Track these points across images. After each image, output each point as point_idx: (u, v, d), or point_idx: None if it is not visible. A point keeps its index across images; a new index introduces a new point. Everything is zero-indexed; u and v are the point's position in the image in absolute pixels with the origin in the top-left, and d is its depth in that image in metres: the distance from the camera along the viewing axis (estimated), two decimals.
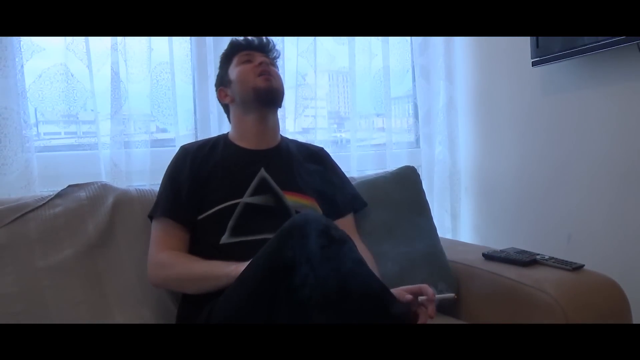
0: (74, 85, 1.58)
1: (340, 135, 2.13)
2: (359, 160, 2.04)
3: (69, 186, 1.35)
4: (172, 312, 1.25)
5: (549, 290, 1.12)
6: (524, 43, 1.77)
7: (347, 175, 2.01)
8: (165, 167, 1.31)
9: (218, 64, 1.40)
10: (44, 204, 1.28)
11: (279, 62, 1.79)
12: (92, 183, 1.37)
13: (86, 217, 1.29)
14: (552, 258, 1.25)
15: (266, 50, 1.33)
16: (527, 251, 1.34)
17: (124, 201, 1.33)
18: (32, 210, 1.26)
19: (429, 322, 0.97)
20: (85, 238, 1.26)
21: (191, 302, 1.15)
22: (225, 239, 1.15)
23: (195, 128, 1.80)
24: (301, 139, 1.93)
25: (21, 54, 1.50)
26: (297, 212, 1.21)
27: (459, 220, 2.15)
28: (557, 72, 1.76)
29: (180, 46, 1.74)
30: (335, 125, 2.14)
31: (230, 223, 1.16)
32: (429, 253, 1.39)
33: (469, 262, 1.37)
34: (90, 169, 1.62)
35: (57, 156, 1.63)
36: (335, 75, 2.14)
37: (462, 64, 2.16)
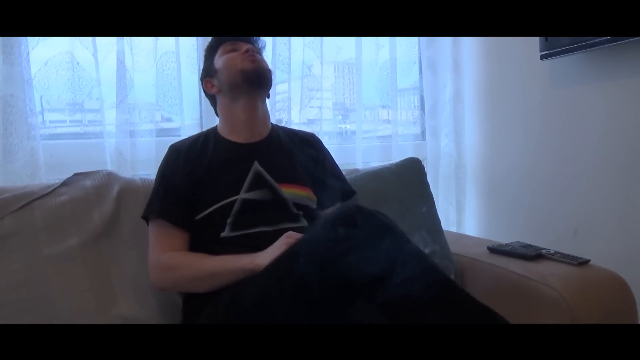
0: (79, 74, 1.58)
1: (346, 127, 2.12)
2: (364, 152, 2.03)
3: (75, 174, 1.35)
4: (177, 302, 1.25)
5: (554, 285, 1.12)
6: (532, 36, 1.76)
7: (352, 167, 2.03)
8: None
9: None
10: (49, 192, 1.28)
11: (284, 55, 1.82)
12: (98, 172, 1.36)
13: (92, 206, 1.29)
14: (558, 252, 1.24)
15: (252, 41, 1.31)
16: (532, 245, 1.33)
17: (129, 190, 1.33)
18: (38, 198, 1.26)
19: None
20: (91, 227, 1.26)
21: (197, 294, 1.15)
22: (226, 233, 1.15)
23: (201, 118, 1.80)
24: (307, 129, 1.94)
25: (27, 41, 1.50)
26: (294, 203, 1.20)
27: (463, 214, 2.14)
28: (567, 66, 1.74)
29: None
30: (341, 117, 2.14)
31: (230, 219, 1.15)
32: (436, 252, 1.39)
33: (474, 256, 1.37)
34: (96, 157, 1.62)
35: (63, 144, 1.63)
36: (341, 66, 2.12)
37: (469, 57, 2.14)
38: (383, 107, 2.13)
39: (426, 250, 1.02)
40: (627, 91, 1.57)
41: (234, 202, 1.16)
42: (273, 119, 1.80)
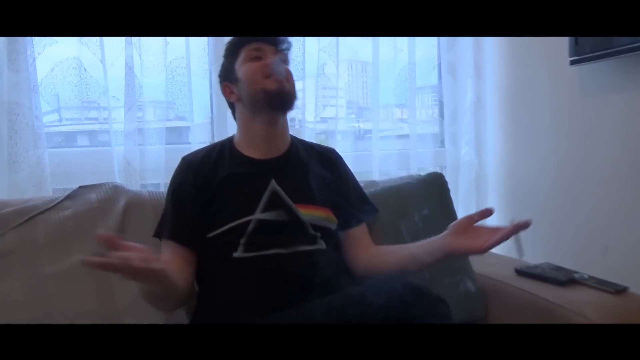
0: (87, 80, 1.52)
1: (360, 127, 2.03)
2: (381, 160, 1.95)
3: (80, 187, 1.29)
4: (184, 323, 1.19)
5: (589, 315, 1.03)
6: (561, 40, 1.66)
7: (369, 177, 1.97)
8: None
9: None
10: (53, 207, 1.22)
11: (296, 54, 1.75)
12: (104, 184, 1.31)
13: (96, 221, 1.23)
14: (592, 278, 1.15)
15: (277, 42, 1.21)
16: (563, 268, 1.24)
17: (136, 204, 1.27)
18: (41, 212, 1.20)
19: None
20: (95, 243, 1.20)
21: (208, 314, 1.09)
22: (238, 253, 1.08)
23: (212, 125, 1.73)
24: (320, 128, 1.87)
25: (33, 47, 1.45)
26: (312, 225, 1.14)
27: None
28: (598, 72, 1.64)
29: (197, 40, 1.66)
30: (355, 116, 2.04)
31: (243, 240, 1.09)
32: (455, 266, 1.31)
33: (500, 278, 1.29)
34: (103, 166, 1.57)
35: (70, 153, 1.58)
36: (356, 67, 2.04)
37: (492, 61, 2.05)
38: (401, 112, 2.05)
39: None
40: None
41: (248, 222, 1.09)
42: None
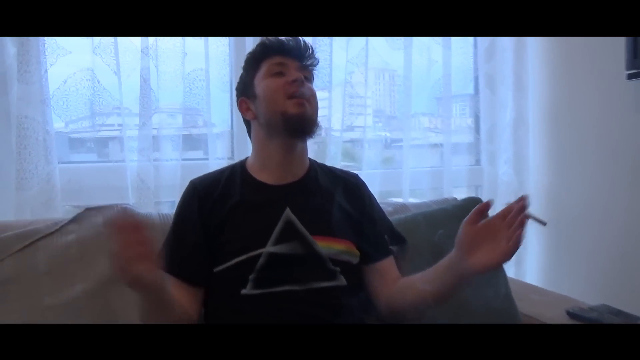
0: (100, 93, 1.44)
1: (387, 135, 1.89)
2: (412, 180, 1.81)
3: (86, 209, 1.20)
4: None
5: None
6: (617, 51, 1.50)
7: (398, 195, 1.83)
8: None
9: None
10: (56, 231, 1.13)
11: (322, 65, 1.63)
12: (112, 206, 1.21)
13: (101, 247, 1.13)
14: None
15: (303, 58, 1.09)
16: (624, 312, 1.08)
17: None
18: (43, 237, 1.12)
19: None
20: (99, 272, 1.11)
21: None
22: (247, 290, 0.97)
23: (232, 142, 1.63)
24: (347, 137, 1.74)
25: (45, 57, 1.37)
26: (331, 259, 1.01)
27: (524, 255, 1.89)
28: None
29: (217, 50, 1.57)
30: (382, 125, 1.91)
31: (253, 275, 0.97)
32: (497, 306, 1.16)
33: (549, 320, 1.13)
34: (116, 182, 1.48)
35: (81, 168, 1.50)
36: (384, 76, 1.92)
37: (535, 73, 1.89)
38: (434, 128, 1.91)
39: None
40: None
41: (258, 255, 0.98)
42: None
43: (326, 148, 1.68)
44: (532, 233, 1.90)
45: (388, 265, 1.12)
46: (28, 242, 1.10)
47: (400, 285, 1.09)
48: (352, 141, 1.88)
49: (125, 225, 0.80)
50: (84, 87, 1.44)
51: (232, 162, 1.59)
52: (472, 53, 1.92)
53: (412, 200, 1.84)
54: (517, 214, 0.88)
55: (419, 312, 1.03)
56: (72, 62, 1.42)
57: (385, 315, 1.08)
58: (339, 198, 1.09)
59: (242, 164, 1.11)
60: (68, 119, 1.46)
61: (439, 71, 1.82)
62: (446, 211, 1.26)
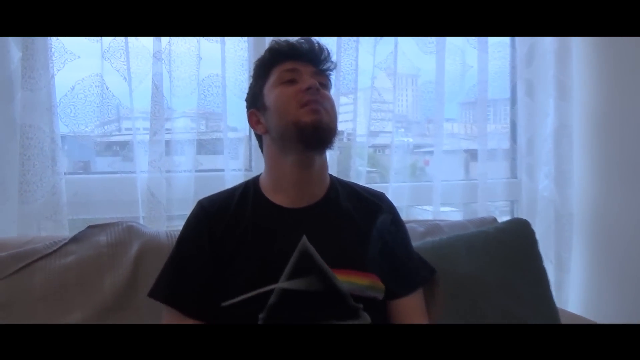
0: (109, 100, 1.35)
1: (410, 141, 1.75)
2: (444, 193, 1.67)
3: (89, 227, 1.11)
4: None
5: None
6: None
7: (429, 214, 1.69)
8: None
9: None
10: (55, 251, 1.04)
11: (347, 70, 1.51)
12: (116, 224, 1.12)
13: (103, 270, 1.04)
14: None
15: (318, 62, 0.97)
16: None
17: (151, 250, 1.07)
18: (40, 258, 1.02)
19: None
20: (99, 298, 1.01)
21: None
22: None
23: (250, 152, 1.52)
24: (371, 142, 1.62)
25: (52, 62, 1.28)
26: (353, 295, 0.89)
27: (566, 275, 1.72)
28: None
29: (235, 54, 1.46)
30: (403, 129, 1.78)
31: (262, 314, 0.86)
32: None
33: None
34: (126, 194, 1.39)
35: (88, 180, 1.41)
36: (415, 83, 1.78)
37: (580, 78, 1.73)
38: (467, 136, 1.78)
39: None
40: None
41: (269, 292, 0.86)
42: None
43: (350, 156, 1.55)
44: (575, 256, 1.73)
45: (414, 301, 0.99)
46: (24, 263, 1.01)
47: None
48: (377, 148, 1.75)
49: None
50: (93, 94, 1.35)
51: (249, 173, 1.49)
52: (510, 57, 1.77)
53: (443, 209, 1.72)
54: None
55: None
56: (81, 67, 1.33)
57: None
58: (363, 223, 0.96)
59: (255, 182, 1.00)
60: (76, 127, 1.37)
61: (474, 77, 1.68)
62: (488, 235, 1.12)
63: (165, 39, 1.36)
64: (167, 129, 1.38)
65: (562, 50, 1.70)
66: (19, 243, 1.06)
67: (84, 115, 1.35)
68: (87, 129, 1.36)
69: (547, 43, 1.72)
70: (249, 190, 0.98)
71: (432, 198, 1.67)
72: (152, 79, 1.34)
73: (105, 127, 1.38)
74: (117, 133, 1.41)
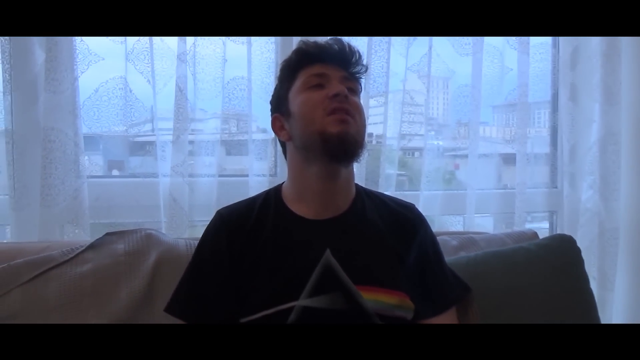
0: (132, 103, 1.32)
1: (440, 144, 1.66)
2: (478, 202, 1.58)
3: (107, 234, 1.08)
4: None
5: None
6: None
7: (461, 226, 1.60)
8: (236, 201, 0.98)
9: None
10: (71, 259, 1.01)
11: (378, 72, 1.44)
12: (135, 231, 1.08)
13: (119, 280, 1.00)
14: None
15: (348, 64, 0.91)
16: None
17: (169, 260, 1.03)
18: (56, 266, 0.99)
19: None
20: (115, 309, 0.97)
21: None
22: None
23: (275, 158, 1.47)
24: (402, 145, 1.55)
25: (76, 64, 1.26)
26: (379, 315, 0.82)
27: (610, 294, 1.60)
28: None
29: (262, 56, 1.41)
30: (433, 132, 1.69)
31: None
32: None
33: None
34: (148, 199, 1.36)
35: (111, 184, 1.39)
36: (450, 86, 1.70)
37: (630, 82, 1.61)
38: (506, 141, 1.67)
39: None
40: None
41: (289, 310, 0.80)
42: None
43: (379, 159, 1.48)
44: (620, 273, 1.61)
45: (447, 321, 0.92)
46: (39, 271, 0.98)
47: None
48: (408, 151, 1.67)
49: None
50: (117, 97, 1.32)
51: (274, 179, 1.44)
52: (552, 59, 1.67)
53: (477, 216, 1.63)
54: None
55: None
56: (105, 69, 1.31)
57: None
58: (391, 237, 0.89)
59: (277, 192, 0.94)
60: (99, 130, 1.34)
61: (513, 80, 1.58)
62: (528, 252, 1.03)
63: (190, 41, 1.32)
64: (191, 131, 1.35)
65: (610, 52, 1.59)
66: (36, 249, 1.03)
67: (107, 118, 1.33)
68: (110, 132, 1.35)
69: (594, 45, 1.61)
70: (270, 199, 0.92)
71: (465, 207, 1.59)
72: (176, 81, 1.30)
73: (128, 130, 1.35)
74: (141, 135, 1.38)
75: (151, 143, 1.41)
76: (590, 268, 1.60)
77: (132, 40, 1.31)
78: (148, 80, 1.31)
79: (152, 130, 1.36)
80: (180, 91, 1.30)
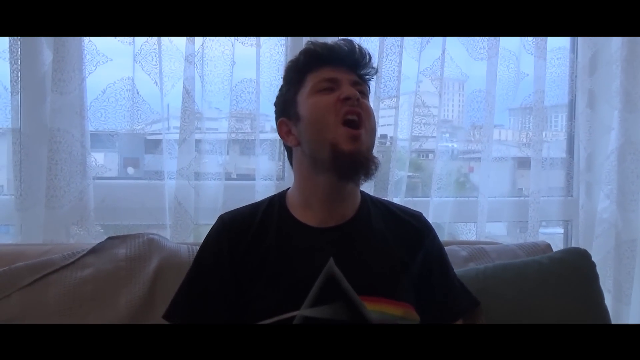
0: (139, 105, 1.31)
1: (454, 146, 1.63)
2: (492, 209, 1.54)
3: (109, 238, 1.06)
4: None
5: None
6: None
7: (474, 232, 1.56)
8: (241, 205, 0.95)
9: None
10: (72, 263, 1.00)
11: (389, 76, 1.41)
12: (137, 236, 1.07)
13: (120, 286, 0.99)
14: None
15: (359, 67, 0.88)
16: None
17: (171, 266, 1.01)
18: (56, 270, 0.98)
19: None
20: (114, 315, 0.96)
21: None
22: None
23: (283, 163, 1.44)
24: (414, 147, 1.51)
25: (84, 65, 1.25)
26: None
27: (627, 309, 1.55)
28: None
29: (271, 58, 1.39)
30: (448, 134, 1.66)
31: None
32: None
33: None
34: (154, 202, 1.34)
35: (117, 186, 1.38)
36: (463, 91, 1.66)
37: None
38: (519, 147, 1.64)
39: None
40: None
41: (290, 319, 0.78)
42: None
43: (390, 161, 1.45)
44: (637, 287, 1.56)
45: None
46: (39, 275, 0.97)
47: None
48: (420, 153, 1.64)
49: None
50: (124, 98, 1.31)
51: (281, 184, 1.42)
52: (569, 64, 1.62)
53: (488, 229, 1.59)
54: None
55: None
56: (112, 69, 1.30)
57: None
58: (396, 246, 0.87)
59: (281, 198, 0.92)
60: (106, 131, 1.33)
61: (530, 85, 1.54)
62: (540, 266, 1.00)
63: (198, 42, 1.31)
64: (197, 132, 1.33)
65: (631, 58, 1.54)
66: (38, 252, 1.02)
67: (115, 119, 1.31)
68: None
69: (613, 50, 1.56)
70: (274, 205, 0.90)
71: (477, 215, 1.55)
72: (184, 83, 1.28)
73: (135, 131, 1.33)
74: (156, 133, 1.36)
75: (165, 141, 1.40)
76: (606, 280, 1.56)
77: (140, 40, 1.29)
78: (155, 82, 1.30)
79: (168, 128, 1.34)
80: (188, 93, 1.28)
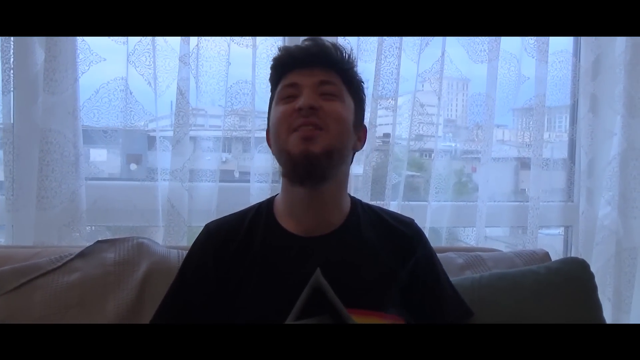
0: (132, 106, 1.29)
1: (456, 146, 1.61)
2: (489, 214, 1.52)
3: (98, 241, 1.05)
4: None
5: None
6: None
7: (469, 241, 1.54)
8: (235, 207, 0.94)
9: None
10: (59, 267, 0.98)
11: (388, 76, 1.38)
12: (126, 240, 1.05)
13: (107, 292, 0.97)
14: None
15: (326, 65, 0.82)
16: None
17: (159, 271, 1.00)
18: (42, 275, 0.96)
19: None
20: (101, 320, 0.95)
21: None
22: None
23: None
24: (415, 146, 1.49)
25: (76, 65, 1.23)
26: None
27: (626, 318, 1.52)
28: None
29: (267, 59, 1.36)
30: (450, 134, 1.63)
31: None
32: None
33: None
34: (146, 203, 1.33)
35: (109, 187, 1.36)
36: (463, 94, 1.63)
37: None
38: (519, 151, 1.60)
39: None
40: None
41: None
42: (374, 135, 1.39)
43: (389, 160, 1.42)
44: (637, 295, 1.53)
45: None
46: (25, 279, 0.96)
47: None
48: (422, 152, 1.62)
49: None
50: (117, 98, 1.29)
51: (275, 186, 1.40)
52: (572, 68, 1.59)
53: (488, 230, 1.57)
54: None
55: None
56: (106, 69, 1.28)
57: None
58: (386, 256, 0.84)
59: (269, 205, 0.89)
60: (99, 132, 1.32)
61: (531, 89, 1.51)
62: (538, 276, 0.97)
63: (193, 42, 1.29)
64: (192, 130, 1.31)
65: (636, 61, 1.50)
66: (26, 256, 1.01)
67: (107, 120, 1.30)
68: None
69: (617, 53, 1.53)
70: (262, 214, 0.88)
71: (476, 220, 1.53)
72: (178, 84, 1.27)
73: (127, 132, 1.32)
74: (161, 130, 1.34)
75: (158, 141, 1.38)
76: (606, 288, 1.53)
77: (134, 40, 1.28)
78: (149, 83, 1.28)
79: (170, 125, 1.31)
80: (182, 94, 1.27)
